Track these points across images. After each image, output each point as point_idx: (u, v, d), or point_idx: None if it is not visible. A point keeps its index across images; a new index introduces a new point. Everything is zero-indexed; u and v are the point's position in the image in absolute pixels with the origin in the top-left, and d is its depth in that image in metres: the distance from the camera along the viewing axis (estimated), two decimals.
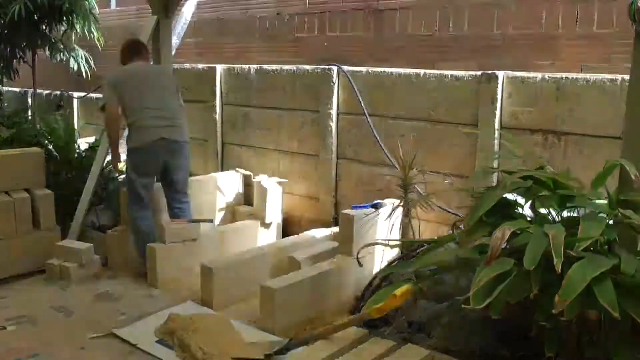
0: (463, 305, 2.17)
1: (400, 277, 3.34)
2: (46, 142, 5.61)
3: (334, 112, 4.80)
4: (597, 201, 2.46)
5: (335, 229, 4.22)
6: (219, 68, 5.77)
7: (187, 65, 6.18)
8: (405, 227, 3.82)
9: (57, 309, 3.76)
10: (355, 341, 2.69)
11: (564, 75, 3.68)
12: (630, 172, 2.28)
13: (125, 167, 4.36)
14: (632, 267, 2.02)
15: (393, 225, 3.97)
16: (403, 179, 3.75)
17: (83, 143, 6.02)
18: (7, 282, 4.23)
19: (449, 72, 4.18)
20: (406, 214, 3.77)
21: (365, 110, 4.55)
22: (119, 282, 4.25)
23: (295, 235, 4.47)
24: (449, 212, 3.82)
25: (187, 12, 6.33)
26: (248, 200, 5.22)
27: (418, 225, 3.90)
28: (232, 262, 3.85)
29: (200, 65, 6.02)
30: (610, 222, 2.31)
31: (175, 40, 5.99)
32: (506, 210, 2.47)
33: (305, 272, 3.55)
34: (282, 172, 5.20)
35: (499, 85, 3.87)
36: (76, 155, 5.49)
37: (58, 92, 8.02)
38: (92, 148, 5.72)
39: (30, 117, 6.57)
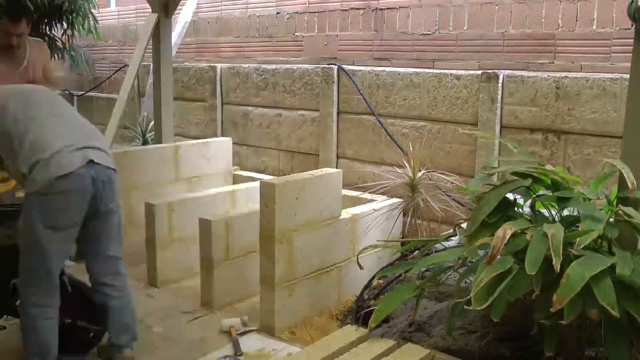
0: (465, 307, 2.17)
1: (402, 277, 3.35)
2: None
3: (334, 111, 4.80)
4: (597, 200, 2.46)
5: None
6: (219, 67, 5.77)
7: (187, 65, 6.18)
8: (411, 227, 3.81)
9: None
10: (355, 341, 2.69)
11: (563, 74, 3.68)
12: (628, 178, 2.28)
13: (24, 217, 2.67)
14: (629, 267, 2.02)
15: (394, 224, 3.97)
16: (412, 178, 3.75)
17: None
18: None
19: (449, 72, 4.18)
20: (413, 214, 3.77)
21: (373, 110, 4.54)
22: None
23: None
24: (456, 204, 3.82)
25: (187, 11, 6.33)
26: None
27: (422, 224, 3.90)
28: (232, 258, 3.84)
29: (200, 65, 6.02)
30: (611, 220, 2.31)
31: (175, 40, 5.99)
32: (507, 210, 2.47)
33: None
34: (282, 171, 5.20)
35: (499, 85, 3.87)
36: None
37: (59, 91, 8.01)
38: None
39: None
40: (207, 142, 4.99)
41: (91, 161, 2.64)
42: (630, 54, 2.42)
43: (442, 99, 4.19)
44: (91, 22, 6.75)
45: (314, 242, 3.55)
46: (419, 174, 3.80)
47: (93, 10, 6.83)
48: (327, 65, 4.85)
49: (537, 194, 2.53)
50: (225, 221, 3.77)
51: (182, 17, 6.30)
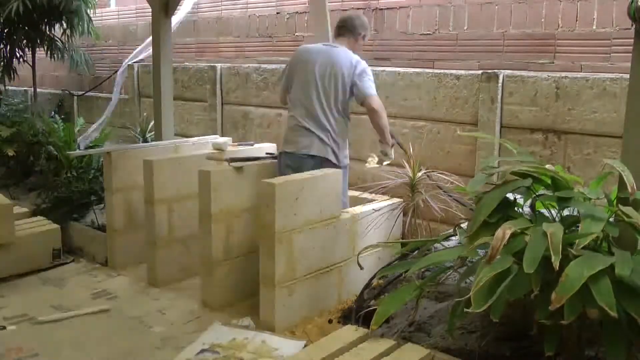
0: (465, 310, 2.17)
1: (403, 277, 3.35)
2: (46, 141, 5.62)
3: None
4: (597, 200, 2.46)
5: None
6: (219, 67, 5.77)
7: (187, 65, 6.19)
8: (411, 227, 3.81)
9: (57, 308, 3.76)
10: (355, 341, 2.69)
11: (563, 74, 3.68)
12: (627, 181, 2.28)
13: None
14: (629, 267, 2.02)
15: (394, 224, 3.97)
16: (412, 178, 3.74)
17: (83, 142, 6.03)
18: (6, 281, 4.23)
19: (449, 72, 4.18)
20: (413, 214, 3.76)
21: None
22: (118, 281, 4.25)
23: None
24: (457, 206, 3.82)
25: (182, 11, 6.31)
26: None
27: (422, 224, 3.90)
28: (232, 258, 3.84)
29: (200, 65, 6.03)
30: (611, 220, 2.31)
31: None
32: (507, 210, 2.47)
33: None
34: None
35: (499, 85, 3.87)
36: None
37: (59, 91, 8.02)
38: (92, 147, 5.73)
39: (30, 117, 6.58)
40: (207, 141, 4.99)
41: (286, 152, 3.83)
42: (630, 54, 2.43)
43: (442, 99, 4.19)
44: (86, 24, 6.74)
45: (314, 242, 3.55)
46: (419, 174, 3.80)
47: (90, 11, 6.83)
48: None
49: (537, 193, 2.53)
50: (225, 222, 3.77)
51: (177, 17, 6.29)
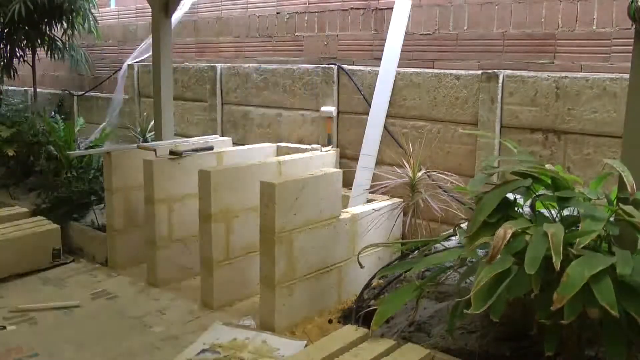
0: (465, 311, 2.17)
1: (403, 277, 3.35)
2: (46, 141, 5.61)
3: (334, 111, 4.79)
4: (597, 200, 2.46)
5: None
6: (219, 67, 5.77)
7: (187, 65, 6.18)
8: (411, 226, 3.81)
9: (56, 308, 3.77)
10: (355, 341, 2.69)
11: (563, 74, 3.68)
12: (627, 182, 2.28)
13: None
14: (629, 266, 2.02)
15: (394, 224, 3.97)
16: (412, 178, 3.75)
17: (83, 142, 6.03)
18: (6, 281, 4.24)
19: (449, 72, 4.18)
20: (413, 214, 3.76)
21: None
22: (118, 281, 4.25)
23: None
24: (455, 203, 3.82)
25: (179, 11, 6.28)
26: None
27: (422, 224, 3.90)
28: (232, 258, 3.84)
29: (200, 65, 6.02)
30: (611, 219, 2.31)
31: None
32: (507, 210, 2.47)
33: None
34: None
35: (499, 85, 3.87)
36: None
37: (59, 91, 8.02)
38: (92, 147, 5.72)
39: (30, 117, 6.58)
40: (208, 141, 4.99)
41: None
42: (630, 54, 2.43)
43: (442, 99, 4.19)
44: (91, 22, 6.77)
45: (314, 242, 3.55)
46: (419, 174, 3.80)
47: (93, 10, 6.84)
48: (327, 65, 4.85)
49: (537, 193, 2.53)
50: (225, 221, 3.77)
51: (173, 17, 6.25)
